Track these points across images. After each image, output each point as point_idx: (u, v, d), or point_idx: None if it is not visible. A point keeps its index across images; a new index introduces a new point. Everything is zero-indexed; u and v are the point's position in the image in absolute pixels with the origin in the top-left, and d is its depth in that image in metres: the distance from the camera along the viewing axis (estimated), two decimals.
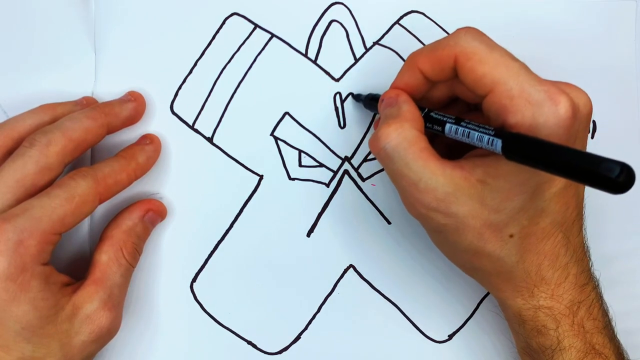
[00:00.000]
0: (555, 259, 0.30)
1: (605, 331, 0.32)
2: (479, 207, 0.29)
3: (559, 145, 0.24)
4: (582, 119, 0.28)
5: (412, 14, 0.39)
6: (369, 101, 0.36)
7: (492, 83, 0.28)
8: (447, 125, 0.29)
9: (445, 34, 0.39)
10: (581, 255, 0.31)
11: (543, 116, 0.27)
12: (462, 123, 0.29)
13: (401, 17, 0.39)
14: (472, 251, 0.30)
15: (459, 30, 0.30)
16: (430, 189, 0.29)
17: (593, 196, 0.33)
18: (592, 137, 0.40)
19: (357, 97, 0.38)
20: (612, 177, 0.21)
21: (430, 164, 0.29)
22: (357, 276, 0.38)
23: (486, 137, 0.27)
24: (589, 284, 0.32)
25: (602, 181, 0.22)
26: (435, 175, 0.28)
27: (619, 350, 0.33)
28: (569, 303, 0.31)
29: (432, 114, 0.31)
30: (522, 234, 0.29)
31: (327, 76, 0.39)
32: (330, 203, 0.38)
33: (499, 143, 0.26)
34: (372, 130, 0.39)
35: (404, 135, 0.29)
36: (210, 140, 0.38)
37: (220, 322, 0.37)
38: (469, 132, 0.28)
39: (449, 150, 0.34)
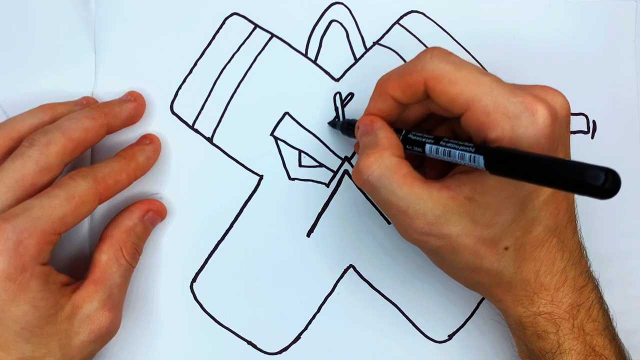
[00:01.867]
0: (551, 264, 0.30)
1: (606, 332, 0.32)
2: (471, 225, 0.29)
3: (541, 155, 0.24)
4: (562, 122, 0.28)
5: (412, 14, 0.40)
6: (346, 127, 0.36)
7: (467, 102, 0.28)
8: (427, 146, 0.29)
9: (445, 34, 0.39)
10: (578, 257, 0.32)
11: (522, 128, 0.26)
12: (442, 142, 0.29)
13: (401, 17, 0.39)
14: (470, 268, 0.30)
15: (424, 52, 0.29)
16: (420, 214, 0.29)
17: (586, 198, 0.33)
18: (592, 137, 0.40)
19: (333, 124, 0.38)
20: (598, 185, 0.21)
21: (416, 189, 0.29)
22: (357, 276, 0.38)
23: (467, 154, 0.27)
24: (588, 286, 0.32)
25: (588, 189, 0.21)
26: (422, 200, 0.29)
27: (620, 350, 0.33)
28: (568, 307, 0.31)
29: (410, 135, 0.31)
30: (517, 245, 0.30)
31: (327, 76, 0.39)
32: (330, 203, 0.38)
33: (481, 159, 0.26)
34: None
35: (384, 164, 0.29)
36: (210, 140, 0.38)
37: (220, 322, 0.37)
38: (450, 151, 0.28)
39: (437, 167, 0.34)
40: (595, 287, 0.32)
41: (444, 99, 0.28)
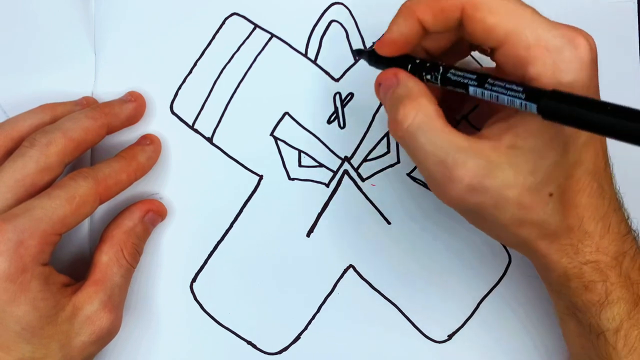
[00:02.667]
0: (595, 210, 0.29)
1: None
2: (514, 174, 0.27)
3: (599, 101, 0.22)
4: (595, 61, 0.27)
5: None
6: (375, 58, 0.32)
7: (505, 34, 0.26)
8: (471, 89, 0.27)
9: None
10: (617, 204, 0.30)
11: (565, 62, 0.25)
12: (487, 85, 0.27)
13: None
14: (516, 223, 0.28)
15: None
16: (460, 164, 0.27)
17: None
18: None
19: (359, 52, 0.35)
20: None
21: (456, 139, 0.27)
22: (357, 276, 0.38)
23: (518, 101, 0.25)
24: (630, 234, 0.30)
25: None
26: (462, 150, 0.27)
27: None
28: (614, 254, 0.29)
29: (449, 75, 0.28)
30: (560, 190, 0.28)
31: (327, 76, 0.39)
32: (330, 203, 0.38)
33: (533, 106, 0.24)
34: (372, 129, 0.38)
35: (423, 111, 0.27)
36: (210, 140, 0.38)
37: (220, 322, 0.37)
38: (497, 97, 0.26)
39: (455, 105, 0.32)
40: (636, 237, 0.31)
41: (480, 29, 0.27)
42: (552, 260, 0.30)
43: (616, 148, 0.29)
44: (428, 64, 0.29)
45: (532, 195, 0.27)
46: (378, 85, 0.31)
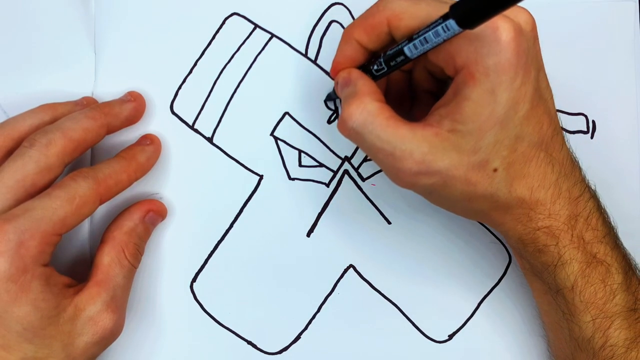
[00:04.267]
0: (543, 178, 0.30)
1: (607, 239, 0.32)
2: (458, 155, 0.29)
3: None
4: (528, 36, 0.29)
5: None
6: (330, 97, 0.37)
7: None
8: (405, 49, 0.29)
9: None
10: (569, 168, 0.31)
11: (485, 47, 0.27)
12: (414, 36, 0.29)
13: None
14: (466, 198, 0.30)
15: None
16: (407, 155, 0.29)
17: None
18: (592, 137, 0.40)
19: (329, 98, 0.38)
20: None
21: (400, 131, 0.29)
22: (357, 276, 0.38)
23: (439, 28, 0.27)
24: (584, 195, 0.32)
25: None
26: (407, 140, 0.29)
27: (623, 256, 0.33)
28: (566, 218, 0.31)
29: (388, 52, 0.30)
30: (505, 164, 0.29)
31: (327, 76, 0.39)
32: (330, 203, 0.38)
33: (452, 22, 0.26)
34: None
35: (367, 109, 0.29)
36: (210, 140, 0.38)
37: (220, 322, 0.37)
38: (424, 37, 0.28)
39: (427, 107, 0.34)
40: (592, 197, 0.32)
41: (407, 36, 0.29)
42: (508, 229, 0.32)
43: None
44: (373, 59, 0.32)
45: (477, 172, 0.29)
46: (336, 84, 0.33)
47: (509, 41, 0.27)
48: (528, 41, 0.28)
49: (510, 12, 0.28)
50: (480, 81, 0.28)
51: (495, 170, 0.29)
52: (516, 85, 0.28)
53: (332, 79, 0.34)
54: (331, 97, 0.38)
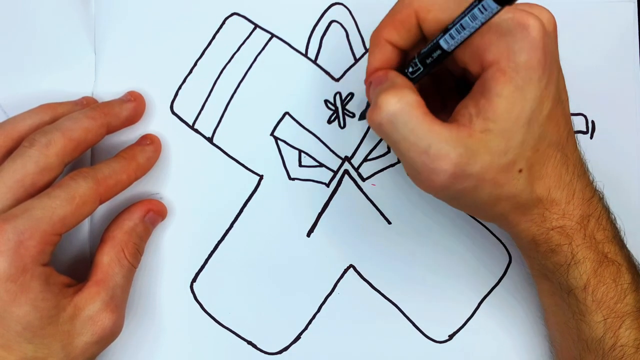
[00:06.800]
0: (559, 178, 0.30)
1: (615, 240, 0.32)
2: (489, 158, 0.28)
3: None
4: (551, 35, 0.29)
5: None
6: (364, 115, 0.35)
7: None
8: (442, 41, 0.28)
9: None
10: (582, 170, 0.32)
11: (517, 43, 0.27)
12: (449, 26, 0.28)
13: None
14: (492, 201, 0.30)
15: None
16: (443, 155, 0.27)
17: None
18: (592, 137, 0.40)
19: (362, 116, 0.38)
20: None
21: (436, 128, 0.28)
22: (357, 276, 0.38)
23: (476, 10, 0.26)
24: (595, 197, 0.32)
25: None
26: (443, 139, 0.27)
27: (629, 257, 0.33)
28: (579, 218, 0.31)
29: (422, 51, 0.30)
30: (528, 165, 0.29)
31: (327, 76, 0.39)
32: (330, 203, 0.38)
33: (489, 1, 0.25)
34: (372, 130, 0.38)
35: (405, 99, 0.28)
36: (210, 140, 0.38)
37: (220, 322, 0.37)
38: (461, 24, 0.27)
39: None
40: (601, 199, 0.33)
41: (435, 28, 0.29)
42: (522, 230, 0.32)
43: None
44: (406, 62, 0.31)
45: (505, 174, 0.29)
46: (369, 84, 0.32)
47: (539, 39, 0.27)
48: (551, 40, 0.29)
49: (534, 9, 0.28)
50: (512, 77, 0.27)
51: (520, 171, 0.29)
52: (543, 84, 0.28)
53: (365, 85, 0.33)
54: (364, 116, 0.36)
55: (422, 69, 0.30)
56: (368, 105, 0.35)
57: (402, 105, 0.28)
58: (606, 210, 0.33)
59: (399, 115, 0.28)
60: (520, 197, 0.30)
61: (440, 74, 0.34)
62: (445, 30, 0.28)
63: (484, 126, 0.28)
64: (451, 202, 0.32)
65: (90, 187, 0.31)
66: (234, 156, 0.38)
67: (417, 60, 0.30)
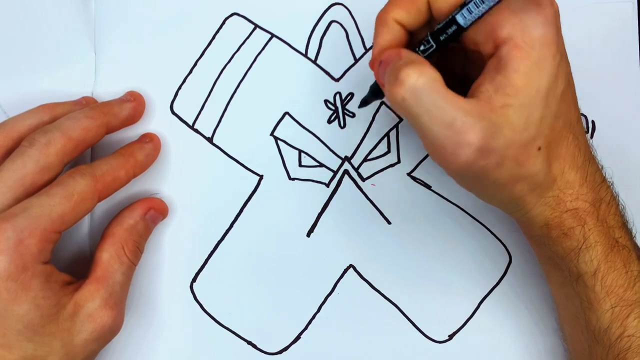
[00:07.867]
0: (573, 160, 0.30)
1: (625, 228, 0.32)
2: (511, 133, 0.28)
3: None
4: (559, 21, 0.29)
5: None
6: (372, 91, 0.34)
7: None
8: (458, 16, 0.28)
9: None
10: (591, 154, 0.32)
11: (531, 19, 0.27)
12: (465, 2, 0.28)
13: None
14: (513, 180, 0.29)
15: None
16: (469, 127, 0.27)
17: None
18: (592, 137, 0.40)
19: (365, 102, 0.36)
20: None
21: (460, 101, 0.27)
22: (357, 276, 0.38)
23: None
24: (605, 182, 0.32)
25: None
26: (468, 112, 0.27)
27: (637, 246, 0.33)
28: (592, 201, 0.31)
29: (437, 27, 0.29)
30: (546, 143, 0.29)
31: (327, 76, 0.39)
32: (330, 203, 0.38)
33: None
34: (372, 129, 0.38)
35: (428, 74, 0.27)
36: (210, 140, 0.38)
37: (220, 322, 0.37)
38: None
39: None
40: (611, 184, 0.32)
41: (447, 5, 0.29)
42: (536, 214, 0.31)
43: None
44: (416, 42, 0.30)
45: (525, 150, 0.29)
46: (378, 63, 0.30)
47: (552, 15, 0.27)
48: (559, 22, 0.29)
49: None
50: (528, 53, 0.27)
51: (539, 149, 0.29)
52: (557, 62, 0.28)
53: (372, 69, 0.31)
54: (367, 102, 0.35)
55: (434, 47, 0.30)
56: (371, 90, 0.34)
57: (426, 79, 0.27)
58: (616, 197, 0.32)
59: (423, 88, 0.27)
60: (537, 177, 0.29)
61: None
62: (463, 4, 0.28)
63: (503, 101, 0.27)
64: (471, 184, 0.31)
65: (88, 184, 0.31)
66: (233, 156, 0.38)
67: (429, 37, 0.29)
